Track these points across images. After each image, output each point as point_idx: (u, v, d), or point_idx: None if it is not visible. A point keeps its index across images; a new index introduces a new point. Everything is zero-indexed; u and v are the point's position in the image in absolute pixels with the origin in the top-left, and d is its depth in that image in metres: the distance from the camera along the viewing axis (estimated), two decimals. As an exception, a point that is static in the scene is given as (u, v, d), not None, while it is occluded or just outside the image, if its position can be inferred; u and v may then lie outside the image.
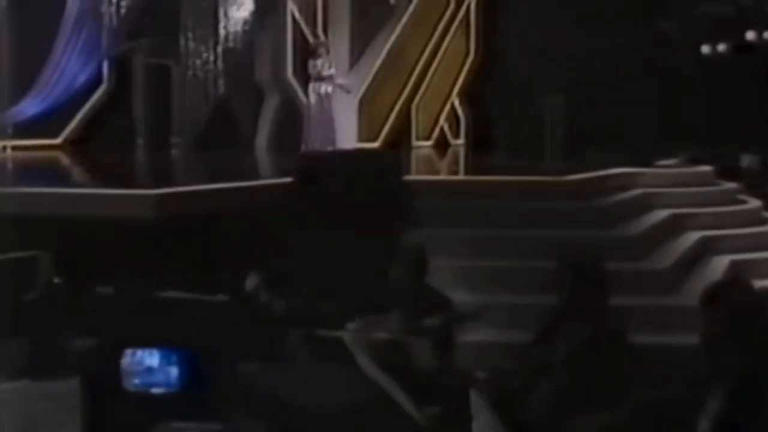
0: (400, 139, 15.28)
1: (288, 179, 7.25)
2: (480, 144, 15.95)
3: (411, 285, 5.85)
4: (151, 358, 3.31)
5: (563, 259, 5.24)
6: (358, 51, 14.73)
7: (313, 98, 12.01)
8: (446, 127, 16.34)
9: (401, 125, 15.31)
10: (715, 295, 3.40)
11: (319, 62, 12.02)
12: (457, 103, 16.40)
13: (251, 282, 6.62)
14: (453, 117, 16.47)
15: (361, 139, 14.55)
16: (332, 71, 12.12)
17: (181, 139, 14.39)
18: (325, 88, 11.96)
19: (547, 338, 5.09)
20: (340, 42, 14.62)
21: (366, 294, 6.05)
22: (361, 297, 6.06)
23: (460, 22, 16.00)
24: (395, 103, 15.13)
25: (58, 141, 14.67)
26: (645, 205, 9.54)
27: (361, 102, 14.51)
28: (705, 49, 15.92)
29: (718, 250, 9.49)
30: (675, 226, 9.44)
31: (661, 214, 9.56)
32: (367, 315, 5.81)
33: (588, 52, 15.53)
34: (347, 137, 14.34)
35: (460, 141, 16.46)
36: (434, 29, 15.59)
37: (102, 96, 14.92)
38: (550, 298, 5.15)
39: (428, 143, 15.78)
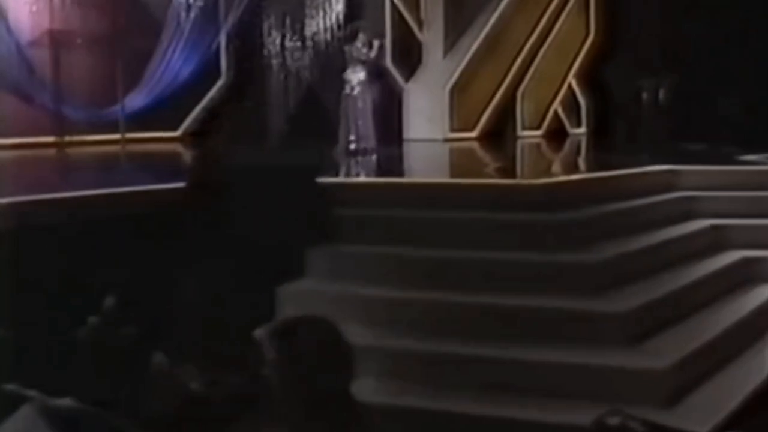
0: (502, 129, 14.39)
1: (179, 185, 6.76)
2: (601, 133, 14.75)
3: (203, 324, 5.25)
4: None
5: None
6: (452, 38, 13.97)
7: (351, 86, 11.08)
8: (562, 115, 15.21)
9: (503, 114, 14.40)
10: None
11: (354, 47, 11.08)
12: (576, 88, 15.21)
13: (108, 302, 6.31)
14: (572, 104, 15.30)
15: (453, 130, 13.84)
16: (373, 53, 11.16)
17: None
18: (364, 74, 11.05)
19: None
20: (435, 28, 13.96)
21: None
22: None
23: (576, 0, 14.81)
24: (496, 90, 14.23)
25: (177, 134, 15.05)
26: (666, 214, 8.09)
27: (452, 91, 13.76)
28: None
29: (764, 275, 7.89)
30: (705, 243, 8.07)
31: (689, 226, 8.20)
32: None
33: (715, 31, 13.96)
34: (439, 128, 13.73)
35: (581, 130, 15.26)
36: (544, 10, 14.50)
37: (220, 89, 15.16)
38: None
39: (537, 132, 14.73)
